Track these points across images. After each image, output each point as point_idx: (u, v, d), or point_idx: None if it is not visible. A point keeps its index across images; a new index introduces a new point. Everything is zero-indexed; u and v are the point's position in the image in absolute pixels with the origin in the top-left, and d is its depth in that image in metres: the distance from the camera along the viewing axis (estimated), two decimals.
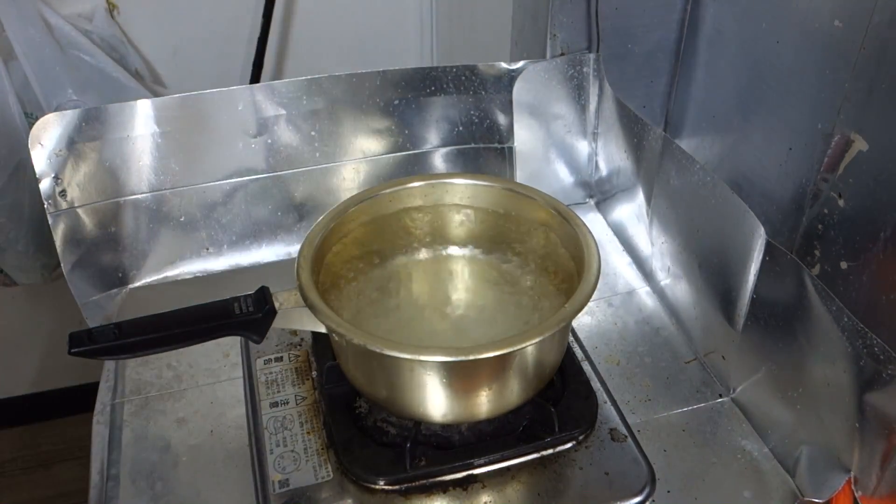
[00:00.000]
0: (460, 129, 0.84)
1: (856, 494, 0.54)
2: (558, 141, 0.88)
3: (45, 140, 0.70)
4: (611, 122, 0.83)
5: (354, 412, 0.63)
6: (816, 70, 0.62)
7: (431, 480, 0.59)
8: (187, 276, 0.82)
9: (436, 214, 0.72)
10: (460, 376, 0.56)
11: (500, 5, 0.96)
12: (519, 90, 0.83)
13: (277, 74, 1.22)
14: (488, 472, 0.60)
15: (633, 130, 0.78)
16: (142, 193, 0.76)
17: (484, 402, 0.58)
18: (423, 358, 0.54)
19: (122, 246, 0.78)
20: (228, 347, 0.72)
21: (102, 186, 0.74)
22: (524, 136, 0.86)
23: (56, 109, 0.92)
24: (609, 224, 0.90)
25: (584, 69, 0.84)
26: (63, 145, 0.71)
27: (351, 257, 0.68)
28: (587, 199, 0.93)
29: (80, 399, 1.11)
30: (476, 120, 0.84)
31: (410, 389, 0.57)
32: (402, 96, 0.81)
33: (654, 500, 0.59)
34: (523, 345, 0.54)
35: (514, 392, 0.59)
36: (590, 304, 0.64)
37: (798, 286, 0.55)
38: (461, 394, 0.58)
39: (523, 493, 0.59)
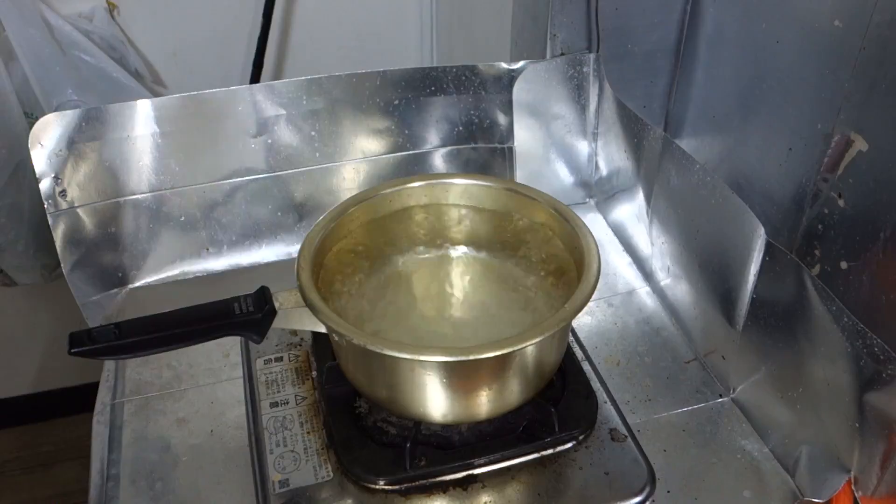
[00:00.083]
0: (460, 129, 0.84)
1: (856, 494, 0.54)
2: (558, 141, 0.88)
3: (45, 140, 0.70)
4: (611, 122, 0.83)
5: (354, 412, 0.63)
6: (816, 70, 0.62)
7: (431, 480, 0.59)
8: (187, 276, 0.82)
9: (436, 214, 0.72)
10: (460, 376, 0.56)
11: (500, 5, 0.96)
12: (519, 90, 0.83)
13: (277, 74, 1.22)
14: (488, 472, 0.60)
15: (633, 130, 0.78)
16: (142, 193, 0.76)
17: (484, 403, 0.58)
18: (423, 358, 0.54)
19: (122, 246, 0.78)
20: (228, 347, 0.72)
21: (102, 186, 0.74)
22: (524, 136, 0.86)
23: (56, 109, 0.92)
24: (609, 224, 0.90)
25: (584, 69, 0.84)
26: (63, 145, 0.71)
27: (351, 257, 0.68)
28: (587, 199, 0.93)
29: (80, 399, 1.11)
30: (476, 120, 0.84)
31: (410, 389, 0.57)
32: (402, 96, 0.81)
33: (654, 500, 0.59)
34: (523, 345, 0.54)
35: (514, 392, 0.59)
36: (590, 304, 0.64)
37: (798, 286, 0.55)
38: (461, 394, 0.58)
39: (523, 493, 0.59)
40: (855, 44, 0.56)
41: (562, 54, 0.84)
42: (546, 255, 0.68)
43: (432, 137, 0.84)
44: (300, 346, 0.71)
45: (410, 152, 0.84)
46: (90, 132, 0.72)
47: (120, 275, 0.79)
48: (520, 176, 0.88)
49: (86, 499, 0.60)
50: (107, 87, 1.02)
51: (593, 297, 0.58)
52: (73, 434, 1.49)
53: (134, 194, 0.76)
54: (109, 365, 0.71)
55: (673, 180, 0.71)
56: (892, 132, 0.54)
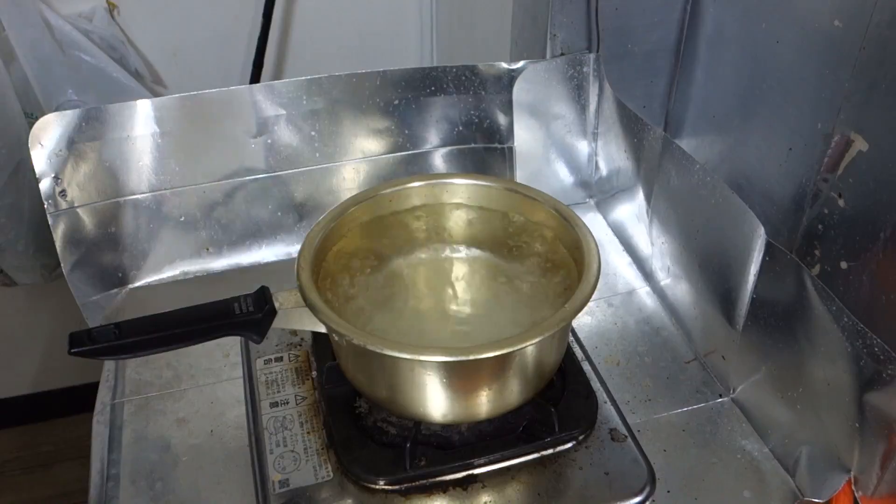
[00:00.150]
0: (460, 129, 0.84)
1: (856, 494, 0.54)
2: (558, 141, 0.88)
3: (45, 140, 0.70)
4: (611, 122, 0.83)
5: (354, 412, 0.63)
6: (816, 70, 0.62)
7: (431, 480, 0.59)
8: (187, 276, 0.82)
9: (436, 214, 0.72)
10: (460, 376, 0.56)
11: (500, 5, 0.96)
12: (519, 90, 0.83)
13: (277, 74, 1.22)
14: (488, 472, 0.60)
15: (633, 130, 0.78)
16: (142, 193, 0.76)
17: (484, 402, 0.58)
18: (423, 358, 0.54)
19: (122, 246, 0.78)
20: (228, 347, 0.72)
21: (102, 186, 0.74)
22: (524, 136, 0.86)
23: (56, 109, 0.92)
24: (609, 224, 0.90)
25: (584, 69, 0.84)
26: (63, 145, 0.71)
27: (351, 257, 0.68)
28: (587, 199, 0.93)
29: (80, 399, 1.11)
30: (476, 120, 0.84)
31: (410, 389, 0.57)
32: (402, 96, 0.81)
33: (654, 500, 0.59)
34: (523, 345, 0.54)
35: (514, 392, 0.59)
36: (590, 304, 0.64)
37: (798, 286, 0.55)
38: (461, 394, 0.58)
39: (523, 493, 0.59)
40: (855, 44, 0.56)
41: (562, 54, 0.84)
42: (546, 255, 0.68)
43: (432, 137, 0.84)
44: (300, 346, 0.71)
45: (410, 152, 0.84)
46: (90, 132, 0.72)
47: (120, 275, 0.79)
48: (520, 176, 0.88)
49: (86, 499, 0.60)
50: (107, 87, 1.02)
51: (593, 297, 0.58)
52: (73, 434, 1.49)
53: (134, 194, 0.76)
54: (109, 365, 0.71)
55: (673, 180, 0.71)
56: (892, 132, 0.54)
